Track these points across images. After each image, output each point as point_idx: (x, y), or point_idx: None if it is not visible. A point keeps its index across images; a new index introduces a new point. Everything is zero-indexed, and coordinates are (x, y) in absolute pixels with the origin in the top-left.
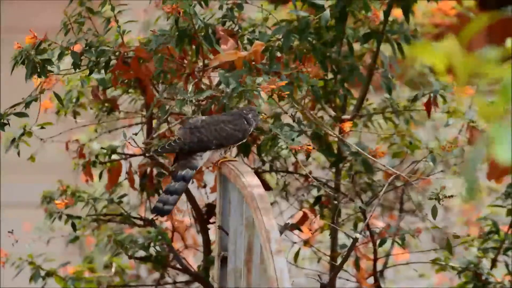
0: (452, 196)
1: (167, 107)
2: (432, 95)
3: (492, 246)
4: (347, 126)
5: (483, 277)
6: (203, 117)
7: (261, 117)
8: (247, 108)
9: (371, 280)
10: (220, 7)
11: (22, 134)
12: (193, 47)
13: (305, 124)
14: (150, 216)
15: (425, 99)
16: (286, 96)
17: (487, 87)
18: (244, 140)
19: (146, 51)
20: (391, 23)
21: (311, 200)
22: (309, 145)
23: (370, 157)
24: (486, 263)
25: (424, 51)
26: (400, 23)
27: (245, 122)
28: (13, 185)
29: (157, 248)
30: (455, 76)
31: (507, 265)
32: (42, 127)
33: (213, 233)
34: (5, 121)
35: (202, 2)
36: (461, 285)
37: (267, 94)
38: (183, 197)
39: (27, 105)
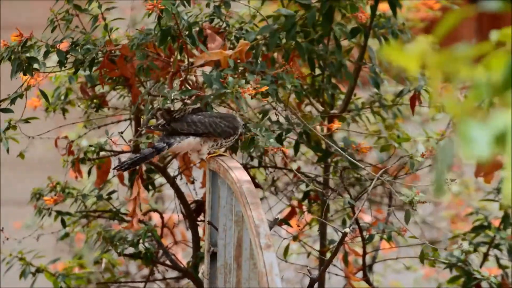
0: (425, 202)
1: (152, 105)
2: (416, 91)
3: (483, 241)
4: (334, 125)
5: (472, 272)
6: (199, 113)
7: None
8: (237, 116)
9: (360, 275)
10: (207, 5)
11: (7, 129)
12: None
13: (293, 121)
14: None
15: (411, 94)
16: (270, 96)
17: (461, 85)
18: (235, 138)
19: (130, 49)
20: (378, 17)
21: (300, 196)
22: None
23: (349, 158)
24: (474, 258)
25: (396, 53)
26: (387, 18)
27: (238, 120)
28: (2, 182)
29: (146, 244)
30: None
31: (497, 259)
32: (27, 121)
33: (201, 229)
34: None
35: (185, 1)
36: (452, 279)
37: (250, 95)
38: (172, 193)
39: (13, 101)
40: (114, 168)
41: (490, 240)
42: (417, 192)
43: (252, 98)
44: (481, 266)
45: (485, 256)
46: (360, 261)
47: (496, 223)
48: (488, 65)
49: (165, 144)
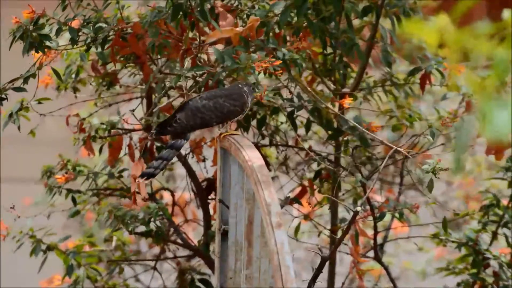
0: (448, 168)
1: (165, 83)
2: (427, 70)
3: (492, 220)
4: (346, 101)
5: (481, 251)
6: (202, 95)
7: (256, 94)
8: (243, 82)
9: (370, 254)
10: None
11: (20, 109)
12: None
13: (305, 98)
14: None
15: (422, 73)
16: (282, 73)
17: (480, 62)
18: (244, 114)
19: (142, 27)
20: None
21: (311, 174)
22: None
23: (366, 131)
24: (485, 237)
25: (416, 28)
26: None
27: (244, 95)
28: (13, 160)
29: (158, 223)
30: (448, 51)
31: (506, 238)
32: (39, 102)
33: (212, 208)
34: (3, 96)
35: None
36: (460, 258)
37: (262, 71)
38: (183, 171)
39: (25, 80)
40: (141, 177)
41: (499, 219)
42: (438, 160)
43: (265, 74)
44: (490, 245)
45: (494, 234)
46: (372, 242)
47: (506, 201)
48: (507, 43)
49: (183, 140)
